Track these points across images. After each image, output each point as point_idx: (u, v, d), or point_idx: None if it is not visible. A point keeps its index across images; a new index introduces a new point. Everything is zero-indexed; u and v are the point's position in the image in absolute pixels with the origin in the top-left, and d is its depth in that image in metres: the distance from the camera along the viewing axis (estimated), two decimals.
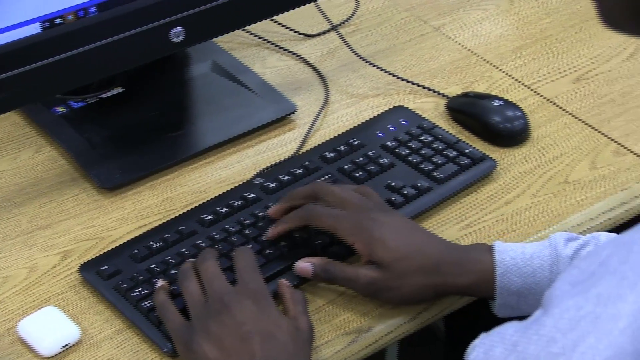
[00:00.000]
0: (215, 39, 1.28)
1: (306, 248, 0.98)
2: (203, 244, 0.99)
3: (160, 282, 0.93)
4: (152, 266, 0.97)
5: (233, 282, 0.90)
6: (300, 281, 0.97)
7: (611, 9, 0.63)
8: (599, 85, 1.25)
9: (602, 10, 0.64)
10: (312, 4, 1.30)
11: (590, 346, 0.52)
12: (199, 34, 1.12)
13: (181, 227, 1.01)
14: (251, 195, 1.05)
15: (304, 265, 0.95)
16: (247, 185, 1.08)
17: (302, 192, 0.99)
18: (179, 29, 1.08)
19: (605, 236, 0.94)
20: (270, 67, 1.28)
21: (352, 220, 0.94)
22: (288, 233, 0.99)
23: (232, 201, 1.04)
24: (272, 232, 0.99)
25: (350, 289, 0.96)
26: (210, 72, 1.26)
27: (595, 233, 0.95)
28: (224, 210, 1.03)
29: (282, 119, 1.19)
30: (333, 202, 0.96)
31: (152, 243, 0.99)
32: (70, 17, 1.01)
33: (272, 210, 1.00)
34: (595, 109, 1.21)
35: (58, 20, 1.00)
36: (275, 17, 1.32)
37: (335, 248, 0.98)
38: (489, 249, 0.94)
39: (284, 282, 0.94)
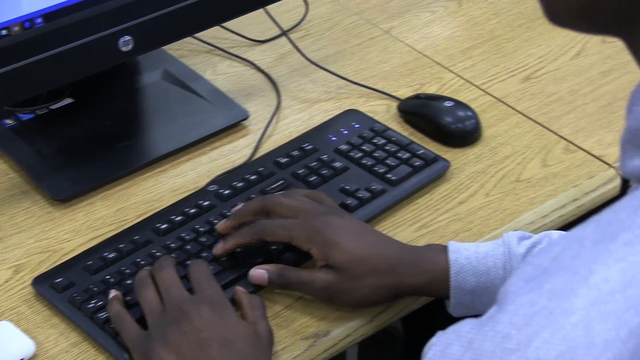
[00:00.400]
0: (165, 47, 1.27)
1: (261, 254, 0.98)
2: (158, 253, 0.98)
3: (113, 293, 0.93)
4: (107, 277, 0.96)
5: (190, 290, 0.90)
6: (256, 288, 0.96)
7: (555, 5, 0.64)
8: (548, 83, 1.27)
9: (547, 6, 0.65)
10: (261, 10, 1.30)
11: (544, 341, 0.52)
12: (148, 42, 1.11)
13: (135, 237, 1.01)
14: (205, 203, 1.05)
15: (259, 272, 0.95)
16: (201, 192, 1.08)
17: (250, 208, 0.99)
18: (127, 37, 1.08)
19: (557, 234, 0.95)
20: (221, 74, 1.28)
21: (305, 227, 0.94)
22: None
23: (187, 209, 1.04)
24: (220, 248, 0.98)
25: (307, 294, 0.96)
26: (161, 80, 1.25)
27: (547, 231, 0.96)
28: (178, 218, 1.03)
29: (234, 125, 1.19)
30: (284, 212, 0.96)
31: (106, 254, 0.98)
32: (16, 28, 1.00)
33: (221, 226, 1.00)
34: (544, 107, 1.23)
35: (4, 32, 0.99)
36: (225, 24, 1.32)
37: (290, 254, 0.98)
38: (443, 249, 0.94)
39: (240, 288, 0.94)
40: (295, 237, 0.94)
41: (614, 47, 1.31)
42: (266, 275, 0.95)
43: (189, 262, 0.95)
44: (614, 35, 0.63)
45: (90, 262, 0.98)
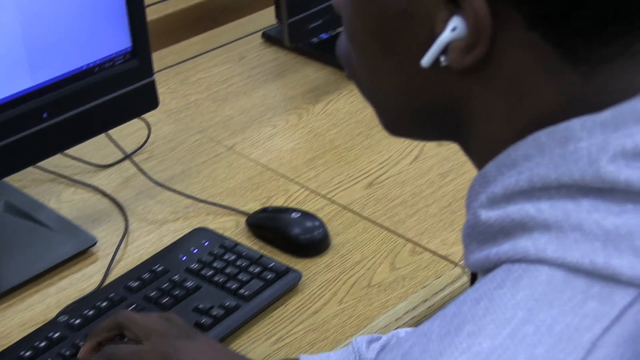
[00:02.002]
0: (6, 179, 1.25)
1: None
2: None
3: None
4: None
5: None
6: None
7: (390, 117, 0.67)
8: (390, 188, 1.30)
9: (382, 119, 0.68)
10: (103, 135, 1.30)
11: None
12: None
13: None
14: (56, 335, 1.02)
15: None
16: (51, 324, 1.05)
17: (105, 325, 0.97)
18: None
19: (404, 332, 0.96)
20: (66, 202, 1.26)
21: (155, 351, 0.92)
22: None
23: (37, 343, 1.01)
24: None
25: None
26: (3, 213, 1.22)
27: (395, 330, 0.98)
28: (28, 353, 1.00)
29: (82, 252, 1.17)
30: (137, 331, 0.94)
31: None
32: None
33: (81, 353, 0.97)
34: (389, 212, 1.26)
35: None
36: (67, 151, 1.31)
37: None
38: None
39: None
40: None
41: (450, 149, 1.36)
42: None
43: None
44: (447, 139, 0.66)
45: None
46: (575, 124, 0.56)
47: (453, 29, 0.57)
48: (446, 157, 1.35)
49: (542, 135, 0.57)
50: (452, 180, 1.31)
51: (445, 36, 0.57)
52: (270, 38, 1.63)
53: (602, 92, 0.57)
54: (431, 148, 1.37)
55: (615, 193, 0.55)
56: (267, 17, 1.66)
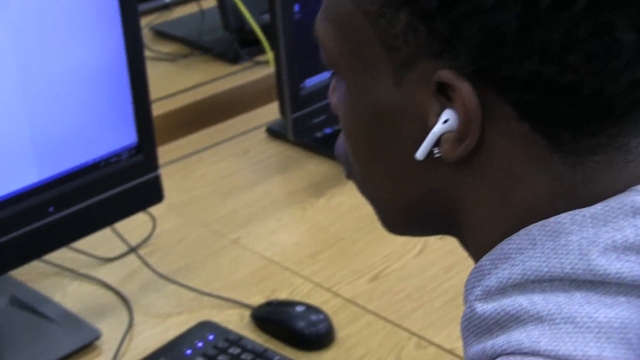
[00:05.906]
0: (11, 272, 1.26)
1: None
2: None
3: None
4: None
5: None
6: None
7: (388, 217, 0.68)
8: (395, 281, 1.30)
9: (381, 218, 0.69)
10: (108, 228, 1.31)
11: None
12: None
13: None
14: None
15: None
16: None
17: None
18: None
19: None
20: (71, 295, 1.27)
21: None
22: None
23: None
24: None
25: None
26: (8, 306, 1.22)
27: None
28: None
29: (86, 346, 1.17)
30: None
31: None
32: None
33: None
34: (393, 305, 1.26)
35: None
36: (72, 244, 1.32)
37: None
38: None
39: None
40: None
41: (453, 243, 1.35)
42: None
43: None
44: (445, 234, 0.67)
45: None
46: (566, 218, 0.57)
47: (445, 121, 0.58)
48: (450, 251, 1.36)
49: (534, 229, 0.57)
50: (456, 274, 1.31)
51: (438, 128, 0.58)
52: (274, 132, 1.65)
53: (589, 184, 0.58)
54: (435, 242, 1.37)
55: (608, 286, 0.55)
56: (270, 112, 1.68)
